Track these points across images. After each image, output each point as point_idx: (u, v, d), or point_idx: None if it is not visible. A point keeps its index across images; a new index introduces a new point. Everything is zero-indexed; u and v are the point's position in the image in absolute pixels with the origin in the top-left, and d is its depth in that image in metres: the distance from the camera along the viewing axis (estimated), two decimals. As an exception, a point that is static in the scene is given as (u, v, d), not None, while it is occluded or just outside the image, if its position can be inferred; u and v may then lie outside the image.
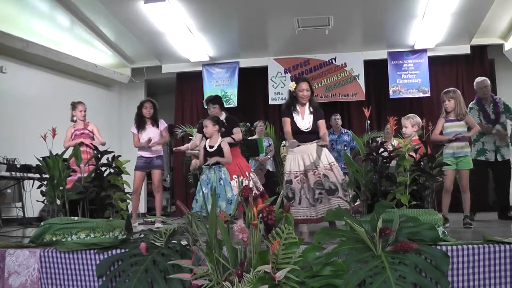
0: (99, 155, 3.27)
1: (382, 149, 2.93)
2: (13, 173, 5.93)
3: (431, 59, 8.03)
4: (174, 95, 9.22)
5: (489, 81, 5.38)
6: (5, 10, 6.38)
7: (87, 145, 5.04)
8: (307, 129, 4.13)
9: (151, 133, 5.33)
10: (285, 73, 8.33)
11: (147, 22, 6.75)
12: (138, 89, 9.16)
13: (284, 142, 6.82)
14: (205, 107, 5.10)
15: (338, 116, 7.05)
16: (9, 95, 6.80)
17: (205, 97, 8.44)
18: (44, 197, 3.14)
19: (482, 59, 8.19)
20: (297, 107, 4.19)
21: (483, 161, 5.17)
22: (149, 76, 9.11)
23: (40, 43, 7.02)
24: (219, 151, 4.06)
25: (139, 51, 8.30)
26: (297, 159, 4.07)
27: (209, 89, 8.51)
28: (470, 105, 5.33)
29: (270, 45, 8.08)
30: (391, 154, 2.92)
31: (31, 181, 6.07)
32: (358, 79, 8.15)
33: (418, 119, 4.57)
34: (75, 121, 5.45)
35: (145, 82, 9.26)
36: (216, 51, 8.15)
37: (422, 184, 2.86)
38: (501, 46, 7.84)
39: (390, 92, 8.05)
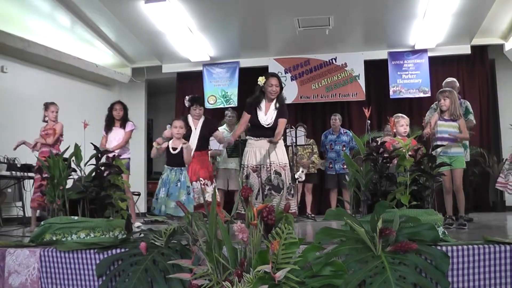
0: (99, 155, 3.27)
1: (382, 149, 2.93)
2: (14, 172, 5.93)
3: (432, 59, 8.02)
4: (175, 95, 9.22)
5: (457, 83, 5.35)
6: (6, 10, 6.38)
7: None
8: (267, 124, 4.18)
9: (117, 134, 5.37)
10: (285, 73, 8.32)
11: (148, 22, 6.75)
12: (138, 89, 9.17)
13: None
14: (189, 105, 4.98)
15: (338, 116, 7.00)
16: (9, 94, 6.80)
17: (206, 97, 8.47)
18: (44, 197, 3.14)
19: (482, 59, 8.18)
20: (262, 103, 4.23)
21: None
22: (150, 76, 9.11)
23: (41, 42, 7.02)
24: (182, 154, 4.11)
25: (140, 51, 8.30)
26: (255, 152, 4.15)
27: (210, 89, 8.52)
28: (432, 105, 5.25)
29: (271, 45, 8.08)
30: (391, 154, 2.92)
31: (32, 181, 6.06)
32: (359, 79, 8.15)
33: None
34: (47, 122, 5.47)
35: (145, 82, 9.26)
36: (217, 51, 8.15)
37: (422, 184, 2.85)
38: (501, 46, 7.83)
39: (390, 92, 8.05)
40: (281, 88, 4.26)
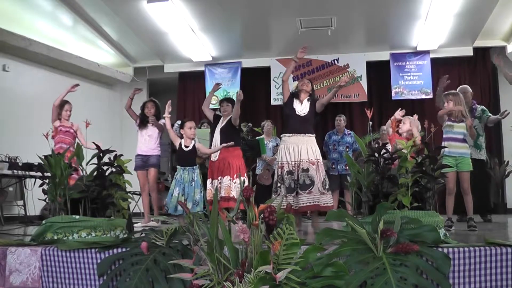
0: (100, 154, 3.27)
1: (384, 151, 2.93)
2: (15, 171, 5.93)
3: (434, 61, 8.01)
4: (176, 95, 9.21)
5: (470, 89, 5.40)
6: (8, 9, 6.39)
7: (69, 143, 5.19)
8: (303, 114, 4.35)
9: (151, 131, 5.43)
10: (287, 74, 8.32)
11: (150, 21, 6.76)
12: (140, 88, 9.16)
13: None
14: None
15: (342, 117, 6.97)
16: (11, 93, 6.81)
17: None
18: (46, 196, 3.14)
19: (484, 61, 8.17)
20: (299, 96, 4.48)
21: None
22: (152, 76, 9.11)
23: (43, 42, 7.03)
24: (194, 152, 4.40)
25: (142, 51, 8.30)
26: (290, 149, 4.26)
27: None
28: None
29: (273, 46, 8.08)
30: (393, 156, 2.92)
31: (33, 180, 6.07)
32: (361, 80, 8.14)
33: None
34: (60, 120, 5.49)
35: (147, 81, 9.25)
36: (219, 51, 8.15)
37: (423, 186, 2.85)
38: (503, 48, 7.82)
39: (392, 94, 8.04)
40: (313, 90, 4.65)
